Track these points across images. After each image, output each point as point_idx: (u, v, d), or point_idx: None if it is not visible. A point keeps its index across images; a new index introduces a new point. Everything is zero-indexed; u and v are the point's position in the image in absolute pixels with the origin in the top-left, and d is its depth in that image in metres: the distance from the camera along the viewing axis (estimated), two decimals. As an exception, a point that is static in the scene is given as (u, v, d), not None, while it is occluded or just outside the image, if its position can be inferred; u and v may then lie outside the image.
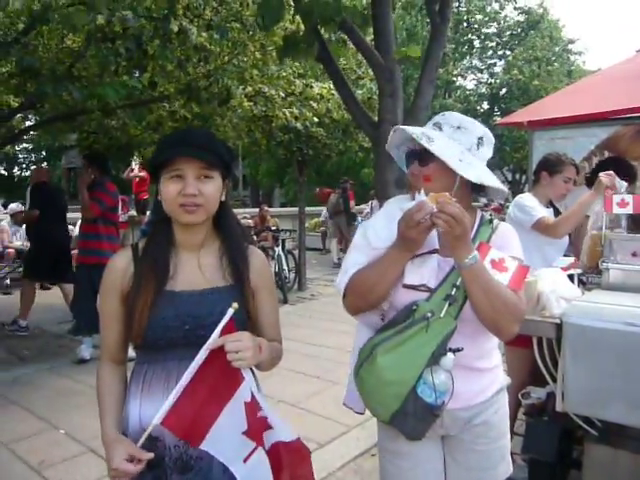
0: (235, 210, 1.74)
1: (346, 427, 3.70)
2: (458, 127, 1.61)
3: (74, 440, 3.56)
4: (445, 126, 1.63)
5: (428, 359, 1.47)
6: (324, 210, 15.10)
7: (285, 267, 8.72)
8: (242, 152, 11.76)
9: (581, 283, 2.74)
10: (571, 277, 2.67)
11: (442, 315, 1.50)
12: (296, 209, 10.16)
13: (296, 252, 9.37)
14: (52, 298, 8.26)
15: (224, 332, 1.30)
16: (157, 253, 1.44)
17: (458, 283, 1.52)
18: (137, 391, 1.44)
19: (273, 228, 9.76)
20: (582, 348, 2.15)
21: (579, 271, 2.79)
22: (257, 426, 1.36)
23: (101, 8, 3.72)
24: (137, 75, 5.22)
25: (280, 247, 8.86)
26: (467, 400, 1.62)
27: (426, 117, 1.73)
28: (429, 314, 1.50)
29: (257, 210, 11.70)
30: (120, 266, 1.46)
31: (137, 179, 9.84)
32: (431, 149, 1.52)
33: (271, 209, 13.74)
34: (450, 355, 1.48)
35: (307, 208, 10.06)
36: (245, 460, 1.35)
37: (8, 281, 8.73)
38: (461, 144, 1.59)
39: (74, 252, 8.91)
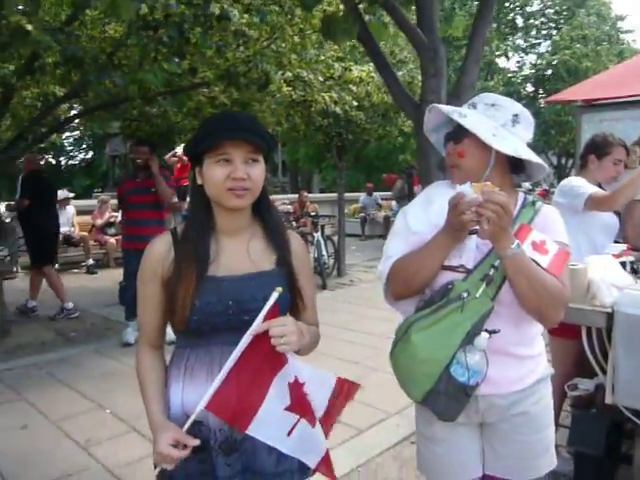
0: (275, 196, 1.72)
1: (385, 414, 3.67)
2: (492, 105, 1.60)
3: (119, 419, 3.66)
4: (479, 104, 1.62)
5: (462, 339, 1.46)
6: (362, 196, 15.15)
7: (324, 253, 8.68)
8: (281, 138, 11.77)
9: (633, 271, 2.62)
10: (623, 264, 2.55)
11: (478, 295, 1.48)
12: (335, 195, 10.12)
13: (335, 238, 9.34)
14: (99, 282, 8.54)
15: (268, 317, 1.29)
16: (197, 238, 1.43)
17: (497, 264, 1.49)
18: (179, 375, 1.43)
19: (312, 214, 9.75)
20: (634, 338, 2.06)
21: (631, 258, 2.67)
22: (302, 400, 1.36)
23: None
24: (177, 61, 5.25)
25: (319, 233, 8.83)
26: (503, 387, 1.58)
27: (471, 98, 1.69)
28: (464, 294, 1.48)
29: (296, 196, 11.72)
30: (160, 251, 1.45)
31: (179, 165, 9.94)
32: (463, 123, 1.53)
33: (310, 195, 13.76)
34: (484, 334, 1.46)
35: (346, 194, 10.00)
36: (289, 433, 1.35)
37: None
38: (495, 120, 1.57)
39: (117, 237, 9.21)
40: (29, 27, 4.26)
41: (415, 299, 1.63)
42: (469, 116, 1.56)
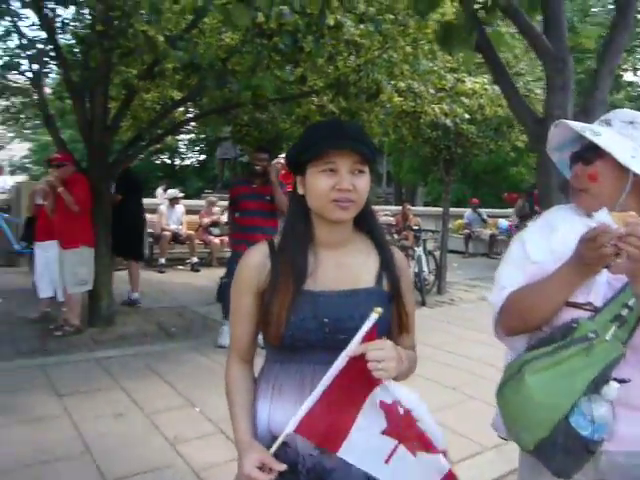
0: (377, 207, 1.63)
1: (481, 447, 3.42)
2: (631, 122, 1.42)
3: (207, 419, 3.70)
4: (615, 121, 1.44)
5: (587, 386, 1.27)
6: (467, 211, 14.69)
7: (425, 268, 8.42)
8: (387, 148, 11.66)
9: None
10: None
11: (608, 338, 1.29)
12: (440, 209, 9.85)
13: (437, 254, 9.06)
14: (201, 280, 8.86)
15: (365, 338, 1.20)
16: (295, 250, 1.37)
17: (631, 304, 1.29)
18: (267, 390, 1.38)
19: (415, 227, 9.53)
20: None
21: None
22: (399, 423, 1.26)
23: (261, 4, 3.80)
24: (289, 69, 5.33)
25: (421, 247, 8.57)
26: (630, 444, 1.37)
27: (601, 115, 1.50)
28: (592, 334, 1.29)
29: (399, 208, 11.55)
30: (256, 262, 1.40)
31: (283, 171, 10.14)
32: (597, 142, 1.35)
33: (413, 208, 13.53)
34: (614, 384, 1.27)
35: (451, 209, 9.68)
36: (387, 461, 1.26)
37: (163, 260, 9.48)
38: (634, 140, 1.39)
39: (222, 238, 9.53)
40: (160, 37, 4.49)
41: (527, 335, 1.46)
42: (603, 134, 1.38)
